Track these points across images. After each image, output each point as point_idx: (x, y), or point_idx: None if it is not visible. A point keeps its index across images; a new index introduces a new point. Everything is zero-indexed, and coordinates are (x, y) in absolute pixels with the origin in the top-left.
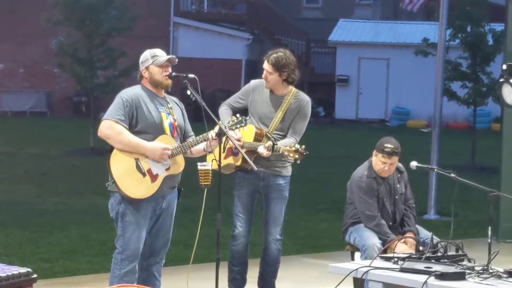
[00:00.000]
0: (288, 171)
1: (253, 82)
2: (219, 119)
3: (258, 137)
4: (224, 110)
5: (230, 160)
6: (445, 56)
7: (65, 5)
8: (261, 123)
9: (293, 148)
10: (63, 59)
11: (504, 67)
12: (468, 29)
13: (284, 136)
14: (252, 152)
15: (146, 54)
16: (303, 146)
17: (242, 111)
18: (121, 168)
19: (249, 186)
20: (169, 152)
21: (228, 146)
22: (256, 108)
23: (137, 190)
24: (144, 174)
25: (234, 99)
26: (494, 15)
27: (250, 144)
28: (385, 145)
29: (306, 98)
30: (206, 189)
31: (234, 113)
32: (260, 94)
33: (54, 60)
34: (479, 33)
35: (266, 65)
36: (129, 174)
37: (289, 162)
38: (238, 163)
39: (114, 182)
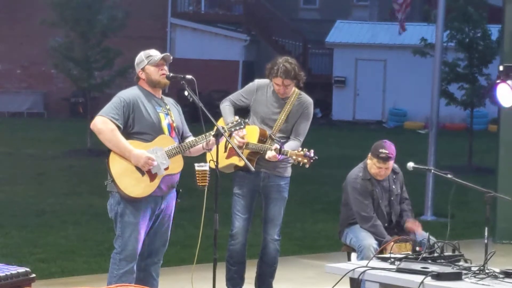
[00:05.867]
0: (288, 172)
1: (257, 81)
2: (216, 120)
3: (262, 138)
4: (226, 107)
5: (233, 160)
6: (442, 57)
7: (58, 5)
8: (264, 124)
9: (302, 153)
10: (58, 59)
11: (501, 68)
12: (466, 30)
13: (287, 138)
14: (256, 153)
15: (141, 56)
16: (312, 150)
17: (242, 110)
18: (120, 167)
19: (249, 186)
20: (154, 163)
21: (230, 145)
22: (259, 109)
23: (136, 188)
24: (143, 173)
25: (237, 97)
26: (492, 16)
27: (255, 145)
28: (380, 150)
29: (309, 100)
30: (206, 190)
31: (235, 111)
32: (264, 95)
33: (50, 60)
34: (476, 34)
35: (285, 82)
36: (128, 173)
37: (290, 163)
38: (242, 163)
39: (113, 181)
